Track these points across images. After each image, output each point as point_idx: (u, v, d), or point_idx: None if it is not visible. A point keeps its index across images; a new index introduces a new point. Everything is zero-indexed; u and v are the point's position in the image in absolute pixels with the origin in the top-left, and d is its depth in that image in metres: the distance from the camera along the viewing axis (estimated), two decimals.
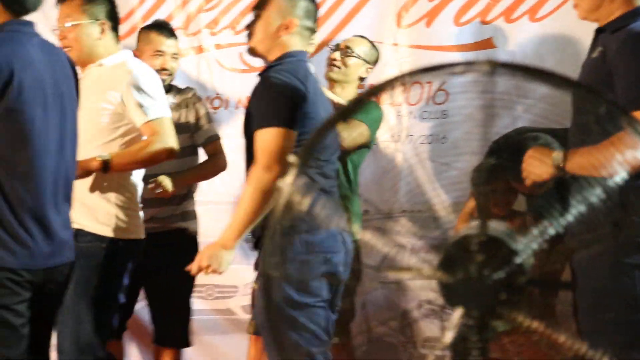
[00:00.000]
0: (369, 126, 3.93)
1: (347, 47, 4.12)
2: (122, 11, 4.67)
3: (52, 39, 3.41)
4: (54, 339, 3.15)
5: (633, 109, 2.53)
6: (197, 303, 4.73)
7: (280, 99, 2.96)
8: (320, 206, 1.67)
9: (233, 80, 4.74)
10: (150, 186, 3.73)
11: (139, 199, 3.57)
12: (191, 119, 4.20)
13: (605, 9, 2.87)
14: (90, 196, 3.35)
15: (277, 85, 2.97)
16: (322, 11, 4.12)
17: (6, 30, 2.77)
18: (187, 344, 4.25)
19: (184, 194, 4.19)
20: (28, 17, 2.88)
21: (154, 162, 3.49)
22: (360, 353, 3.76)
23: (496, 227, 1.47)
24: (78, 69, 3.20)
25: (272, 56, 3.14)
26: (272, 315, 2.00)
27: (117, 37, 3.60)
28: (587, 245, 2.68)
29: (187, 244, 4.14)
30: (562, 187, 2.84)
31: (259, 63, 4.60)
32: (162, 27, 4.23)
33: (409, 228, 4.00)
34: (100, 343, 3.38)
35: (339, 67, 4.10)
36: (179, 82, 4.42)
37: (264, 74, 3.11)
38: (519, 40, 4.46)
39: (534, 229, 1.47)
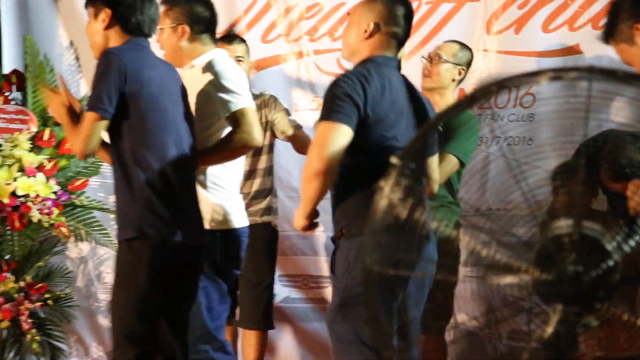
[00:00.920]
0: (462, 157, 3.92)
1: (436, 55, 4.09)
2: (227, 20, 4.86)
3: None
4: None
5: None
6: (293, 292, 4.93)
7: (337, 97, 2.94)
8: (417, 208, 1.69)
9: None
10: None
11: (234, 189, 3.59)
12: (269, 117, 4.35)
13: None
14: None
15: (336, 86, 2.97)
16: (414, 20, 4.15)
17: (132, 44, 3.10)
18: (270, 326, 4.40)
19: (269, 190, 4.35)
20: None
21: (239, 154, 3.49)
22: (449, 345, 3.78)
23: (590, 226, 1.46)
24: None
25: (356, 60, 3.12)
26: (371, 307, 2.03)
27: (210, 39, 3.59)
28: None
29: (270, 235, 4.34)
30: None
31: None
32: (227, 36, 4.37)
33: (495, 225, 3.99)
34: (214, 333, 3.45)
35: (428, 77, 4.08)
36: (277, 85, 4.57)
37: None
38: (605, 45, 4.41)
39: (623, 228, 1.46)
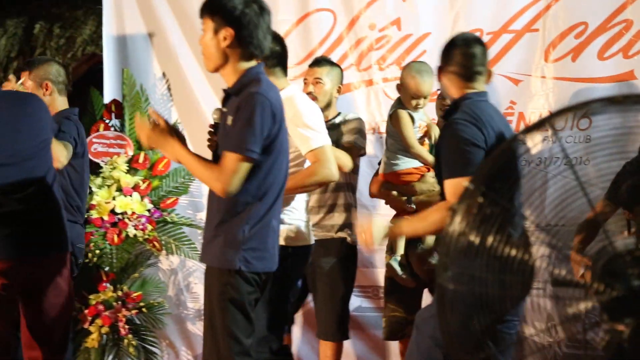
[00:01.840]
0: None
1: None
2: (304, 52, 4.92)
3: None
4: None
5: None
6: (364, 302, 4.90)
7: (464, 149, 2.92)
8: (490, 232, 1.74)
9: None
10: None
11: (304, 210, 3.61)
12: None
13: None
14: None
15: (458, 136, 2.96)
16: None
17: (260, 74, 2.96)
18: (345, 337, 4.33)
19: (348, 205, 4.29)
20: None
21: (317, 187, 3.54)
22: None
23: None
24: None
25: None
26: (444, 322, 2.07)
27: (282, 72, 3.60)
28: None
29: (348, 251, 4.26)
30: None
31: None
32: (316, 60, 4.35)
33: (554, 241, 3.98)
34: (274, 336, 3.43)
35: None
36: (349, 110, 4.56)
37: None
38: None
39: None
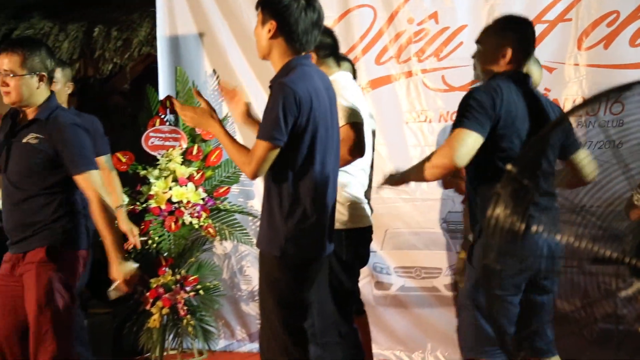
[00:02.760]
0: None
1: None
2: (346, 46, 4.83)
3: None
4: None
5: None
6: (407, 282, 4.86)
7: (472, 105, 2.92)
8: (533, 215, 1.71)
9: (435, 99, 4.80)
10: None
11: (363, 193, 3.59)
12: None
13: None
14: None
15: (472, 94, 2.96)
16: None
17: (298, 65, 2.91)
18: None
19: None
20: None
21: (345, 163, 3.42)
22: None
23: None
24: None
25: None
26: (489, 301, 2.05)
27: (334, 61, 3.61)
28: None
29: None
30: None
31: (458, 83, 4.71)
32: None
33: (589, 221, 3.94)
34: (343, 321, 3.42)
35: None
36: (390, 101, 4.53)
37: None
38: None
39: None
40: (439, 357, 4.77)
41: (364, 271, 4.26)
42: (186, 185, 5.04)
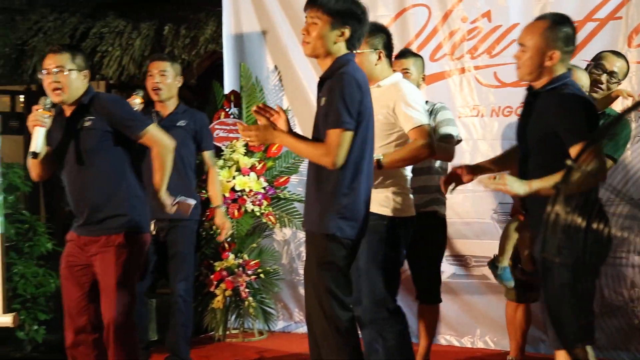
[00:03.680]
0: (617, 156, 3.75)
1: (613, 72, 3.91)
2: (401, 44, 4.84)
3: None
4: None
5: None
6: (458, 269, 4.88)
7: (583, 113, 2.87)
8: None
9: (488, 94, 4.79)
10: None
11: (409, 185, 3.60)
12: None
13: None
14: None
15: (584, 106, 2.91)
16: None
17: (350, 61, 3.02)
18: (439, 300, 4.23)
19: (438, 186, 4.09)
20: None
21: (417, 160, 3.51)
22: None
23: None
24: None
25: (540, 83, 3.02)
26: (549, 289, 2.05)
27: (391, 63, 3.65)
28: None
29: (438, 223, 4.14)
30: None
31: (509, 80, 4.68)
32: (402, 52, 4.14)
33: (635, 213, 3.87)
34: (390, 298, 3.45)
35: (602, 89, 3.92)
36: (443, 96, 4.52)
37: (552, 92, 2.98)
38: None
39: None
40: (487, 342, 4.78)
41: None
42: (249, 175, 5.11)
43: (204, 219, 4.86)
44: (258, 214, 5.14)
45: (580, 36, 4.41)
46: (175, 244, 4.25)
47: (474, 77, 4.83)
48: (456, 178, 3.34)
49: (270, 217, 5.17)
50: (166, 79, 4.26)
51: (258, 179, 5.14)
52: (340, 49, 3.02)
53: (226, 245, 5.12)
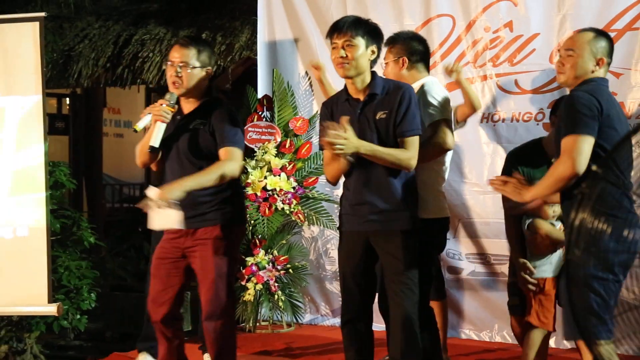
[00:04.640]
0: None
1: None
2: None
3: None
4: None
5: None
6: (478, 267, 4.85)
7: (582, 110, 2.82)
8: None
9: (509, 100, 4.76)
10: None
11: (442, 186, 3.58)
12: None
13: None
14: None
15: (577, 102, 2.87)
16: None
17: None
18: (444, 296, 4.15)
19: None
20: None
21: (434, 156, 3.46)
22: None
23: None
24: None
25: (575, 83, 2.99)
26: (572, 284, 2.05)
27: (424, 66, 3.63)
28: None
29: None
30: None
31: (529, 87, 4.66)
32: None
33: None
34: (424, 295, 3.37)
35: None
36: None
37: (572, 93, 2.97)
38: None
39: None
40: (505, 337, 4.75)
41: None
42: (279, 175, 5.13)
43: None
44: (288, 212, 5.16)
45: None
46: None
47: (495, 84, 4.80)
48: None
49: (299, 215, 5.18)
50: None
51: (288, 179, 5.16)
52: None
53: (257, 241, 5.15)
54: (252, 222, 5.13)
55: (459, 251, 4.89)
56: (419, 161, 3.21)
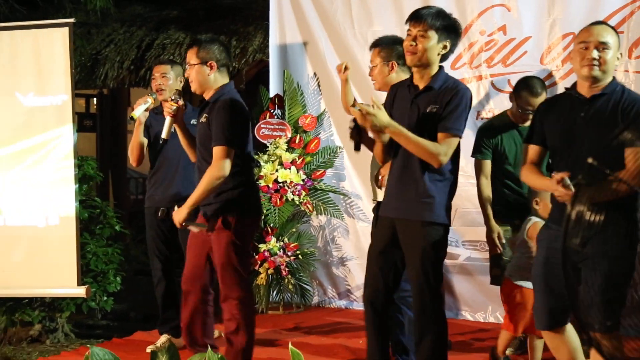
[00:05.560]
0: None
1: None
2: None
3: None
4: None
5: None
6: (474, 253, 4.88)
7: None
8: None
9: (502, 99, 4.79)
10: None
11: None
12: None
13: None
14: None
15: None
16: None
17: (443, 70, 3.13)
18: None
19: None
20: None
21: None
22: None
23: None
24: None
25: (599, 87, 2.79)
26: (569, 274, 2.04)
27: (407, 69, 3.44)
28: None
29: None
30: None
31: None
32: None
33: None
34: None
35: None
36: None
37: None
38: None
39: None
40: (498, 317, 4.79)
41: None
42: (289, 169, 5.18)
43: None
44: (297, 202, 5.21)
45: None
46: None
47: (490, 83, 4.84)
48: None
49: (308, 205, 5.23)
50: (167, 81, 4.08)
51: (298, 172, 5.20)
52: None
53: (269, 230, 5.20)
54: (265, 211, 5.17)
55: (456, 238, 4.92)
56: None
